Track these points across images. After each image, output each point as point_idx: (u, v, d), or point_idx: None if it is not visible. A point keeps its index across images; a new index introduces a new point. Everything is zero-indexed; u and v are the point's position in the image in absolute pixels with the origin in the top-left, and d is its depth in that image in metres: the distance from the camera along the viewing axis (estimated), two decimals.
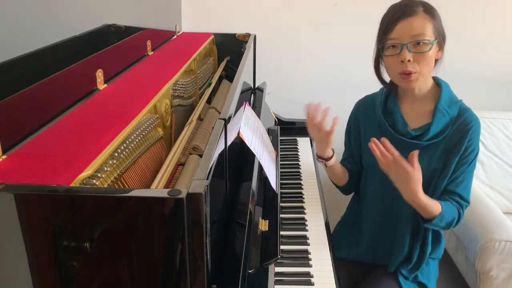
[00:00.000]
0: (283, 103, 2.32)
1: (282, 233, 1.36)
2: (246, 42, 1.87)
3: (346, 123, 1.55)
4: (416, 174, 1.20)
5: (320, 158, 1.43)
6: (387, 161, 1.22)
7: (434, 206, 1.26)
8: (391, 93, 1.41)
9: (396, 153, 1.21)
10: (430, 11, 1.25)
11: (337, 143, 1.64)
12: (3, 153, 0.76)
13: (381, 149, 1.22)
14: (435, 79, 1.36)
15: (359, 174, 1.51)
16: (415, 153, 1.21)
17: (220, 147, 0.94)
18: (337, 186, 1.57)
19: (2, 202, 0.66)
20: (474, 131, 1.30)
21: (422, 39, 1.21)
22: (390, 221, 1.41)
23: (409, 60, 1.22)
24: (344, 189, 1.56)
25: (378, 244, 1.44)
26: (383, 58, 1.31)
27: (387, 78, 1.39)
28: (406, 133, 1.34)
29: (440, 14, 1.30)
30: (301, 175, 1.75)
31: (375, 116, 1.41)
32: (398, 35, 1.23)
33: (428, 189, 1.33)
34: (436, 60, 1.30)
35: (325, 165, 1.44)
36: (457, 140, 1.30)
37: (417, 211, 1.29)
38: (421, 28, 1.21)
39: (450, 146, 1.31)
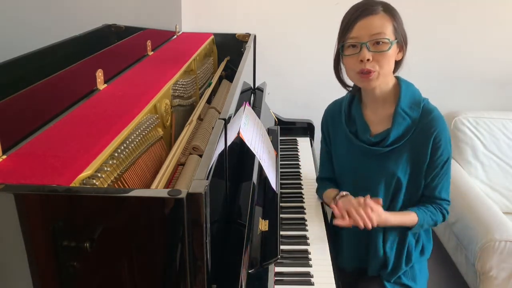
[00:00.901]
0: (283, 103, 2.33)
1: (282, 233, 1.35)
2: (246, 42, 1.87)
3: None
4: (374, 213, 1.23)
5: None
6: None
7: (408, 218, 1.30)
8: (355, 97, 1.39)
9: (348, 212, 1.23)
10: (390, 11, 1.23)
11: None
12: (3, 153, 0.76)
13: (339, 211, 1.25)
14: (397, 79, 1.33)
15: None
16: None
17: (220, 147, 0.94)
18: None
19: (2, 202, 0.66)
20: (437, 135, 1.26)
21: (382, 38, 1.19)
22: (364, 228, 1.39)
23: (368, 59, 1.20)
24: None
25: (358, 250, 1.42)
26: (343, 58, 1.28)
27: (349, 82, 1.36)
28: (367, 140, 1.32)
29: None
30: (301, 175, 1.75)
31: (342, 122, 1.40)
32: (358, 34, 1.21)
33: (401, 196, 1.32)
34: (397, 62, 1.28)
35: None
36: (421, 144, 1.28)
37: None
38: (381, 27, 1.20)
39: (415, 150, 1.28)
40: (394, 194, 1.33)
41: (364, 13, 1.21)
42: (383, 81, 1.26)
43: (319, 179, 1.55)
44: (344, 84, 1.38)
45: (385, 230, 1.36)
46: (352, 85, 1.38)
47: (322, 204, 1.55)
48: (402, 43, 1.25)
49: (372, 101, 1.33)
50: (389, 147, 1.29)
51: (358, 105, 1.37)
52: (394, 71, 1.30)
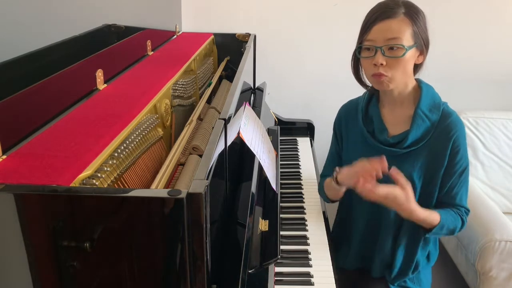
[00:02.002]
0: (283, 103, 2.33)
1: (282, 233, 1.35)
2: (246, 42, 1.87)
3: None
4: (404, 193, 1.18)
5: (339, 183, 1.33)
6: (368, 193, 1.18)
7: (432, 217, 1.25)
8: (373, 97, 1.37)
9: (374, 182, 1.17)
10: (411, 15, 1.19)
11: (325, 148, 1.60)
12: (3, 153, 0.76)
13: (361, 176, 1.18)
14: (417, 81, 1.31)
15: None
16: (395, 172, 1.18)
17: (220, 147, 0.94)
18: (328, 200, 1.48)
19: (2, 202, 0.66)
20: (456, 139, 1.25)
21: (396, 44, 1.17)
22: (373, 228, 1.38)
23: (381, 64, 1.18)
24: (334, 201, 1.50)
25: (364, 251, 1.41)
26: (360, 59, 1.28)
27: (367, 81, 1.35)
28: (384, 140, 1.31)
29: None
30: (301, 175, 1.75)
31: (358, 121, 1.38)
32: (374, 37, 1.19)
33: (416, 199, 1.29)
34: (417, 65, 1.26)
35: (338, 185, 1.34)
36: (439, 148, 1.26)
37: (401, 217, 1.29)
38: (397, 32, 1.17)
39: (433, 154, 1.27)
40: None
41: (383, 15, 1.19)
42: (399, 85, 1.25)
43: (322, 176, 1.53)
44: (363, 84, 1.37)
45: (395, 235, 1.35)
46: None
47: (322, 204, 1.55)
48: (422, 47, 1.22)
49: (390, 102, 1.32)
50: (407, 149, 1.27)
51: (376, 104, 1.35)
52: (414, 73, 1.28)
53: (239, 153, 1.35)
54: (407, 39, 1.18)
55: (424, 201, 1.31)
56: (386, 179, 1.30)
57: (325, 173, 1.52)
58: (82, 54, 1.09)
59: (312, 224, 1.44)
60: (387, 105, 1.34)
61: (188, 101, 1.43)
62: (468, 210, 1.33)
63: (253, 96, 1.83)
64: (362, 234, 1.41)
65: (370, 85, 1.35)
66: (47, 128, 0.87)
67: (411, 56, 1.20)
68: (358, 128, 1.38)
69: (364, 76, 1.32)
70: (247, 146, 1.20)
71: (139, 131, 0.97)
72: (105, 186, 0.78)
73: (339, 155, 1.48)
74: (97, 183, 0.76)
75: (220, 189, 1.00)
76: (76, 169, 0.73)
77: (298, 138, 2.06)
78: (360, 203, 1.38)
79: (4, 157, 0.75)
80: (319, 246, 1.34)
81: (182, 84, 1.37)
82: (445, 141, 1.25)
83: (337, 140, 1.48)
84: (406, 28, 1.18)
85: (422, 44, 1.22)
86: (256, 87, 1.95)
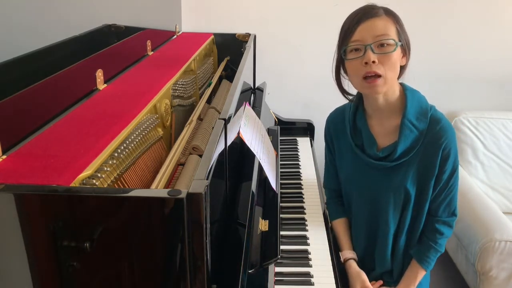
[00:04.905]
0: (283, 103, 2.33)
1: (282, 233, 1.35)
2: (246, 42, 1.87)
3: None
4: None
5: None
6: None
7: (419, 276, 1.33)
8: (358, 107, 1.35)
9: None
10: (392, 15, 1.20)
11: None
12: (3, 153, 0.76)
13: None
14: (402, 86, 1.29)
15: None
16: None
17: (220, 147, 0.94)
18: None
19: (2, 202, 0.66)
20: (447, 145, 1.23)
21: (386, 39, 1.15)
22: (371, 234, 1.37)
23: (373, 62, 1.14)
24: None
25: (364, 255, 1.41)
26: (346, 63, 1.23)
27: (350, 90, 1.33)
28: (374, 154, 1.28)
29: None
30: (301, 175, 1.75)
31: (346, 133, 1.36)
32: (361, 37, 1.16)
33: (410, 208, 1.30)
34: (401, 67, 1.23)
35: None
36: (430, 155, 1.24)
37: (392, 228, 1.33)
38: (384, 28, 1.16)
39: (424, 162, 1.25)
40: (404, 207, 1.30)
41: (366, 16, 1.18)
42: (389, 88, 1.22)
43: (326, 189, 1.54)
44: (345, 93, 1.34)
45: (393, 243, 1.35)
46: (355, 93, 1.35)
47: (322, 204, 1.55)
48: (405, 47, 1.21)
49: (377, 112, 1.29)
50: (397, 161, 1.26)
51: (363, 116, 1.32)
52: (398, 77, 1.26)
53: (239, 153, 1.35)
54: (393, 35, 1.17)
55: (419, 207, 1.31)
56: (379, 188, 1.30)
57: (329, 186, 1.52)
58: (82, 54, 1.09)
59: (312, 224, 1.44)
60: (374, 115, 1.31)
61: (188, 101, 1.43)
62: (456, 216, 1.33)
63: (253, 96, 1.83)
64: (360, 241, 1.40)
65: (353, 93, 1.34)
66: (47, 128, 0.87)
67: (398, 55, 1.19)
68: (347, 140, 1.36)
69: (345, 85, 1.30)
70: (247, 146, 1.20)
71: (139, 131, 0.97)
72: (105, 186, 0.78)
73: (334, 164, 1.47)
74: (97, 183, 0.76)
75: (220, 189, 1.00)
76: (76, 169, 0.73)
77: (298, 138, 2.06)
78: (359, 211, 1.38)
79: (4, 157, 0.75)
80: (319, 246, 1.34)
81: (182, 84, 1.37)
82: (435, 148, 1.24)
83: (330, 149, 1.47)
84: (391, 26, 1.18)
85: (405, 45, 1.21)
86: (256, 87, 1.95)
